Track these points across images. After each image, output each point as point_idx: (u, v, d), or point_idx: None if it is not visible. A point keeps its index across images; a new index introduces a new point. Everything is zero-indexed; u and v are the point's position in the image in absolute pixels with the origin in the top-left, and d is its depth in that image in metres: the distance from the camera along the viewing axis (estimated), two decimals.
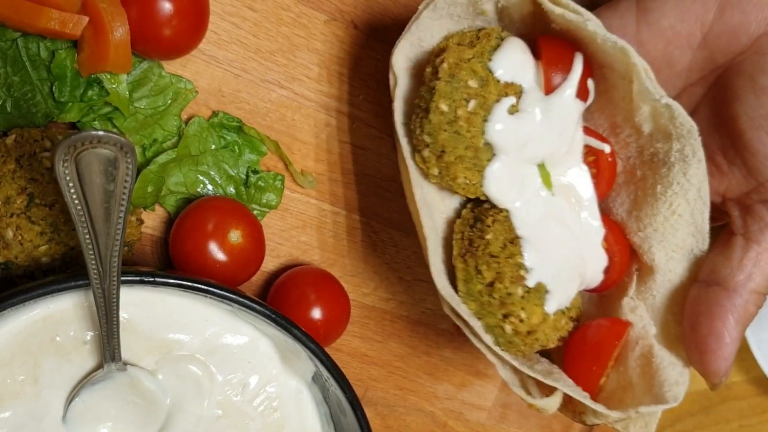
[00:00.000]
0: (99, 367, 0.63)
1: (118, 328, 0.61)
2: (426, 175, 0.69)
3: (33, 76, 0.65)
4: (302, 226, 0.80)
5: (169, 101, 0.70)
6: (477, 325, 0.67)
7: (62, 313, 0.62)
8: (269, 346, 0.69)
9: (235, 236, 0.70)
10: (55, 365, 0.63)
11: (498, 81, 0.65)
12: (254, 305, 0.63)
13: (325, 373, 0.67)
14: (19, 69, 0.64)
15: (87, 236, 0.56)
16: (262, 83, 0.76)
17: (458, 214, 0.72)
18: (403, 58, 0.69)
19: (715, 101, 0.69)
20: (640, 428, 0.71)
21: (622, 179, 0.73)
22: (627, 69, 0.65)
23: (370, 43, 0.80)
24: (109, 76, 0.66)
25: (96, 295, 0.58)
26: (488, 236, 0.66)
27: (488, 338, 0.67)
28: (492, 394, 0.94)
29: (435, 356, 0.90)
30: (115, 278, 0.58)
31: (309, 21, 0.77)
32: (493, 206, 0.68)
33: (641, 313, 0.72)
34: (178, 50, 0.69)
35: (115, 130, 0.68)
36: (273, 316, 0.64)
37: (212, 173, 0.73)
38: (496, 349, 0.67)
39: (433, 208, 0.71)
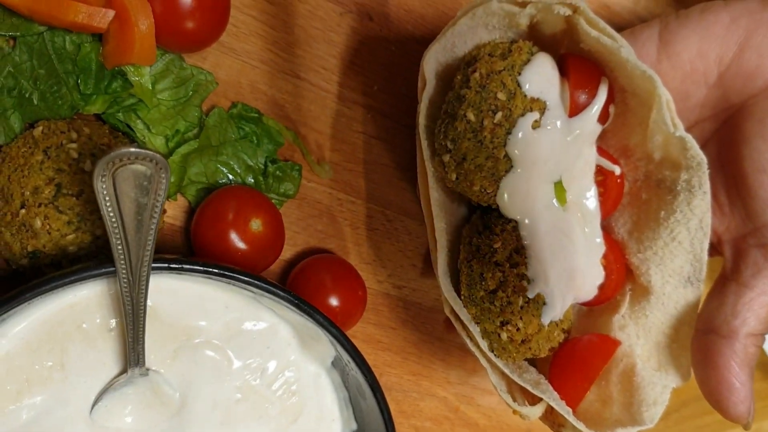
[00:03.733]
0: (123, 356, 0.65)
1: (143, 334, 0.63)
2: (442, 179, 0.70)
3: (59, 68, 0.66)
4: (319, 215, 0.81)
5: (190, 93, 0.71)
6: (476, 330, 0.68)
7: (88, 300, 0.64)
8: (289, 332, 0.71)
9: (255, 225, 0.71)
10: (82, 352, 0.64)
11: (525, 95, 0.66)
12: (278, 291, 0.65)
13: (346, 357, 0.69)
14: (45, 62, 0.66)
15: (120, 247, 0.58)
16: (280, 74, 0.77)
17: (466, 219, 0.74)
18: (434, 61, 0.70)
19: (723, 140, 0.70)
20: None
21: (627, 200, 0.73)
22: (649, 98, 0.65)
23: (385, 35, 0.82)
24: (132, 69, 0.67)
25: (124, 301, 0.60)
26: (496, 245, 0.68)
27: (484, 344, 0.68)
28: None
29: (447, 342, 0.91)
30: (144, 287, 0.60)
31: (325, 13, 0.78)
32: (503, 216, 0.69)
33: (629, 332, 0.73)
34: (200, 42, 0.70)
35: (151, 147, 0.70)
36: (296, 301, 0.65)
37: (232, 163, 0.74)
38: (491, 354, 0.69)
39: (445, 211, 0.73)
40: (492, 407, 0.95)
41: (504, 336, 0.68)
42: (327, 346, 0.70)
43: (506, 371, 0.68)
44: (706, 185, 0.66)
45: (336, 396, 0.74)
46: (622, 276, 0.73)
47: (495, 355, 0.70)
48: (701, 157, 0.65)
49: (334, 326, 0.67)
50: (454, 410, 0.93)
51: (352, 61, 0.80)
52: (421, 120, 0.71)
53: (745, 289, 0.68)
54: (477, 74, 0.66)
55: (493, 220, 0.70)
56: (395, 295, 0.87)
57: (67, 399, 0.64)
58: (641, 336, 0.73)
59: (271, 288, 0.65)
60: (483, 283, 0.68)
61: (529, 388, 0.68)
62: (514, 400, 0.70)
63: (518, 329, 0.68)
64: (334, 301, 0.77)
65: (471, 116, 0.66)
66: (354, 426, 0.75)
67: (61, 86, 0.66)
